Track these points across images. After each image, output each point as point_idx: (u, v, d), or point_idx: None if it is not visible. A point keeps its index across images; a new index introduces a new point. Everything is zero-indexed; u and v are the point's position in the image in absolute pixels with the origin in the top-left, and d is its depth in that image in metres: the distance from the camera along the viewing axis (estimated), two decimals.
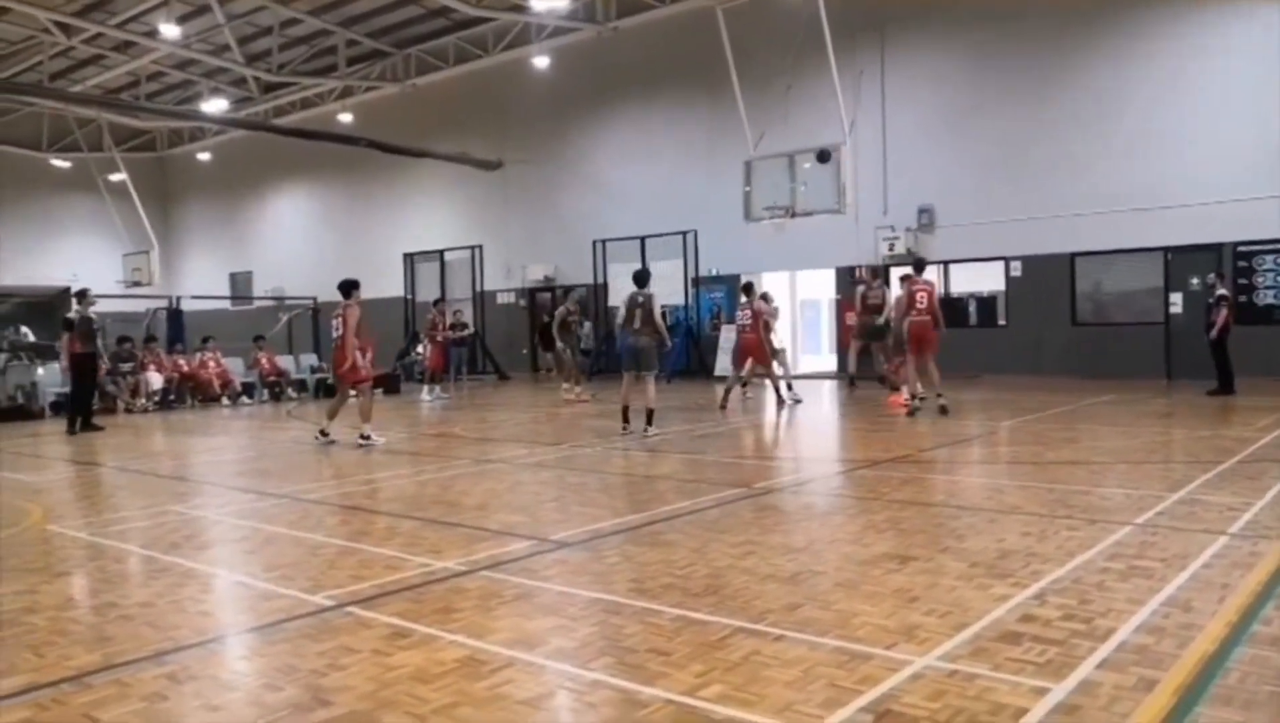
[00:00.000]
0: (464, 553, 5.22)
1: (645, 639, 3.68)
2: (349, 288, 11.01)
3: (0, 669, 3.59)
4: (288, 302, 25.98)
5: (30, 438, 13.22)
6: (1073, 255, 17.23)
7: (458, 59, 25.76)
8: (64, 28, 23.80)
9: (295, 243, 31.12)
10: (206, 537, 6.13)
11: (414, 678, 3.35)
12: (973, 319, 18.70)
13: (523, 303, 25.30)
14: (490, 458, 9.37)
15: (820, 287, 22.29)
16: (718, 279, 21.50)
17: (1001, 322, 18.33)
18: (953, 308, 19.07)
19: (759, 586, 4.40)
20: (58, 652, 3.78)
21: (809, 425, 12.65)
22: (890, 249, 18.91)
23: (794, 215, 17.06)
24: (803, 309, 24.47)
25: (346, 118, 27.00)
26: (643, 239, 21.53)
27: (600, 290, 22.66)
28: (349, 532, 5.90)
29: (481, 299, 24.68)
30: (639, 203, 22.25)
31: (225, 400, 18.32)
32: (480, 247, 24.91)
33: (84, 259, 32.69)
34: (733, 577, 4.57)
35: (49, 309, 26.21)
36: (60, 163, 32.61)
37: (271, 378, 19.30)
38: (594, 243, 22.58)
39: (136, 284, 28.82)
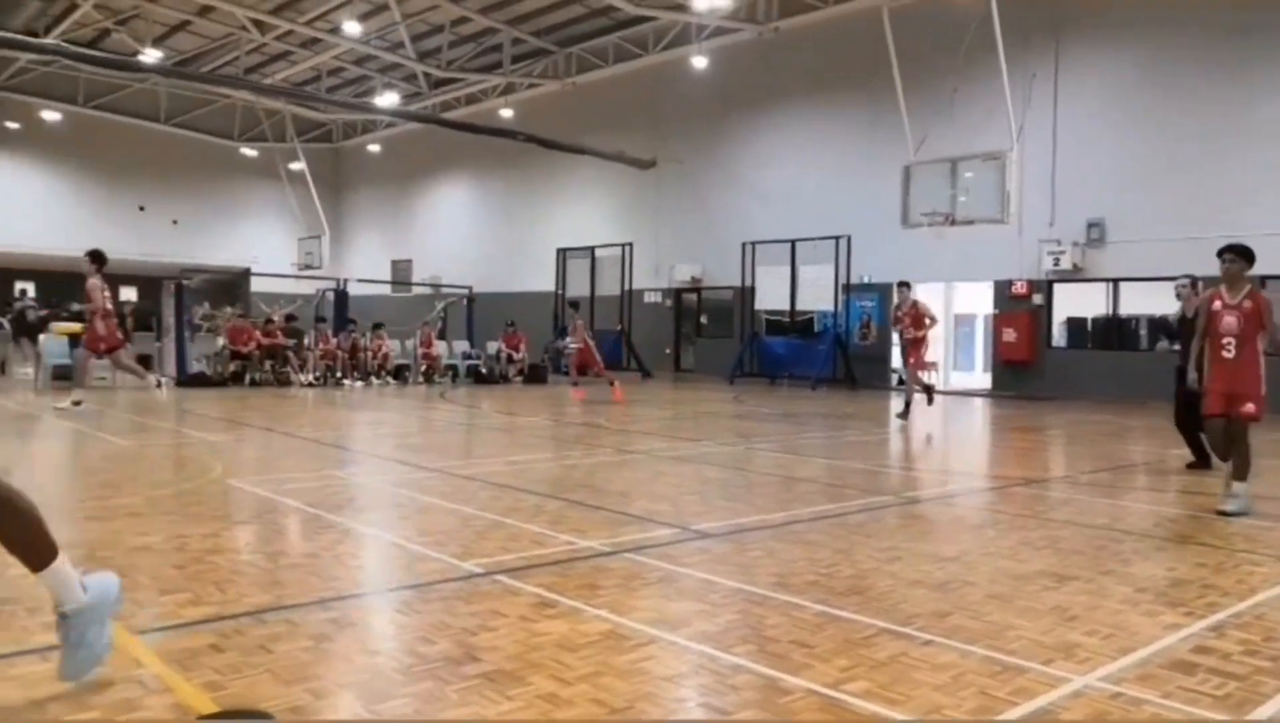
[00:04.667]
0: (607, 535, 5.30)
1: (788, 631, 3.65)
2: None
3: (190, 599, 3.91)
4: (443, 290, 27.05)
5: (214, 401, 14.25)
6: (1263, 278, 16.00)
7: (617, 58, 26.21)
8: (258, 25, 25.53)
9: (453, 233, 32.36)
10: (365, 501, 6.45)
11: (559, 646, 3.43)
12: (1143, 342, 17.61)
13: (669, 302, 25.48)
14: (632, 449, 9.49)
15: (977, 301, 21.49)
16: (869, 287, 21.05)
17: (1176, 347, 17.19)
18: (1121, 330, 18.07)
19: (906, 590, 4.29)
20: (237, 590, 4.08)
21: (962, 440, 12.22)
22: (1055, 263, 18.04)
23: (953, 223, 16.54)
24: (957, 324, 23.68)
25: (508, 113, 27.89)
26: (793, 242, 21.31)
27: (747, 293, 22.57)
28: (498, 507, 6.10)
29: (629, 297, 25.01)
30: (791, 206, 22.05)
31: (380, 380, 19.24)
32: (631, 245, 25.24)
33: (262, 242, 35.06)
34: (878, 579, 4.47)
35: (232, 286, 28.26)
36: (249, 152, 35.00)
37: (426, 363, 20.14)
38: (743, 245, 22.51)
39: (308, 267, 30.64)
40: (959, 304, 22.96)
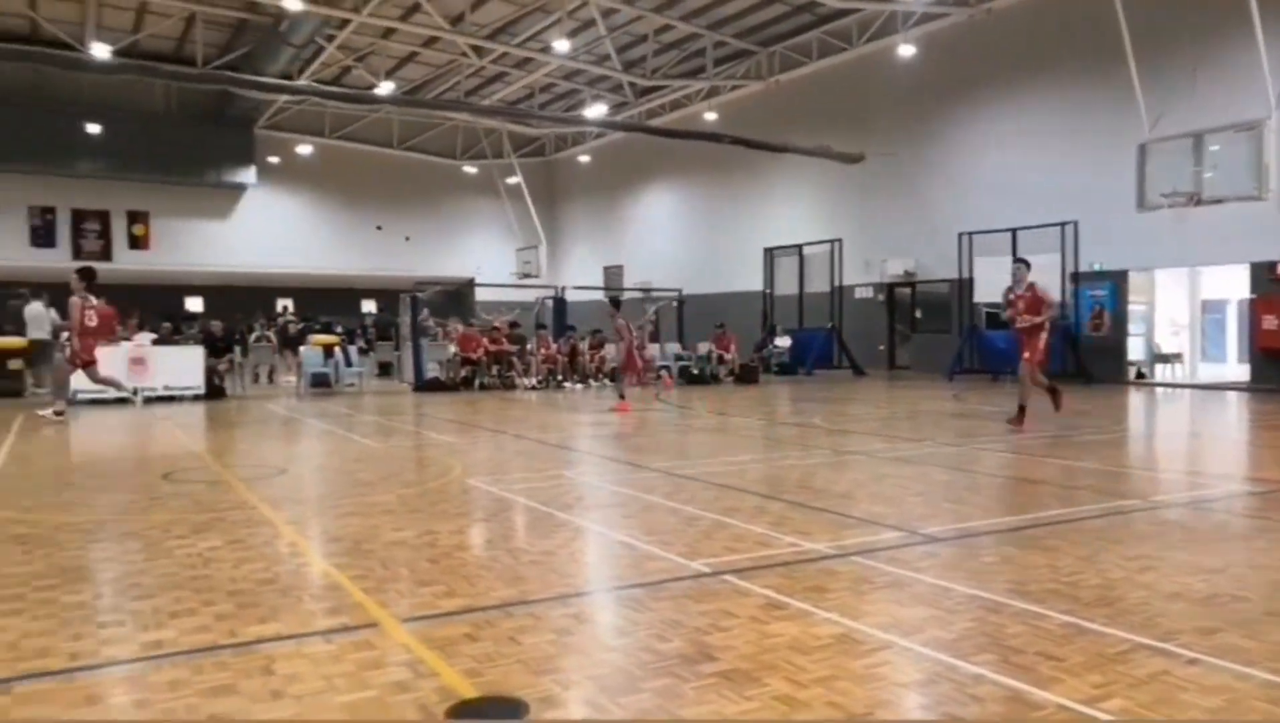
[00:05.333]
0: (832, 537, 5.26)
1: (1031, 642, 3.49)
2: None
3: (445, 591, 4.23)
4: (654, 294, 27.63)
5: (447, 405, 15.26)
6: None
7: (821, 53, 25.81)
8: (477, 50, 27.12)
9: (662, 237, 32.97)
10: (593, 500, 6.72)
11: (791, 647, 3.45)
12: None
13: (881, 298, 24.82)
14: (850, 450, 9.34)
15: (1228, 285, 19.54)
16: (1101, 275, 19.61)
17: None
18: None
19: (1163, 603, 3.99)
20: (484, 583, 4.38)
21: (1215, 438, 11.16)
22: None
23: (1198, 203, 15.15)
24: (1205, 310, 21.63)
25: (712, 116, 28.10)
26: (1014, 231, 20.19)
27: (965, 286, 21.60)
28: (720, 507, 6.18)
29: (840, 294, 24.56)
30: (1011, 193, 20.91)
31: (597, 382, 19.92)
32: (839, 241, 24.79)
33: (484, 253, 37.16)
34: (1128, 590, 4.18)
35: (459, 297, 30.14)
36: (470, 169, 37.19)
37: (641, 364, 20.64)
38: (959, 236, 21.57)
39: (527, 276, 32.21)
40: (1206, 289, 20.97)
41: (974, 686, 3.08)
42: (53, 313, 16.88)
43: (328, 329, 22.39)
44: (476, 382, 18.78)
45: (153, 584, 4.33)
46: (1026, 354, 10.67)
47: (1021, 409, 10.72)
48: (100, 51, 24.01)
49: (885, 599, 4.09)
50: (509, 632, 3.66)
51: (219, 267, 33.72)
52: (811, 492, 6.81)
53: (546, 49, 26.51)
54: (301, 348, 18.83)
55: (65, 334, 12.50)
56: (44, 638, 3.59)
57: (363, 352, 20.86)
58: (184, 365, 15.74)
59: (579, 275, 33.91)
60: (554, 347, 20.17)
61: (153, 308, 25.02)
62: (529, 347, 19.93)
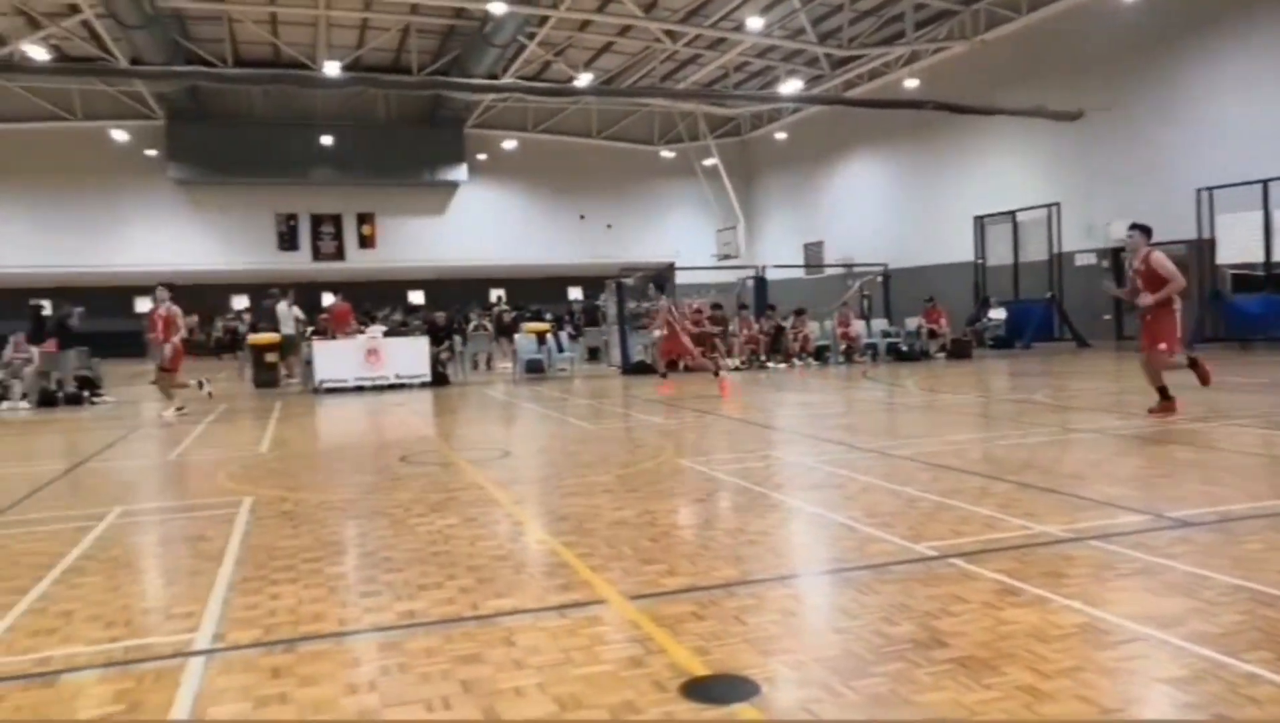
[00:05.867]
0: (1065, 520, 4.96)
1: None
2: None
3: (667, 570, 4.34)
4: (856, 269, 26.95)
5: (653, 386, 15.57)
6: None
7: (1031, 6, 24.19)
8: (670, 35, 27.33)
9: (863, 211, 32.07)
10: (807, 480, 6.67)
11: (1030, 636, 3.29)
12: None
13: (1105, 264, 23.04)
14: (1078, 427, 8.77)
15: None
16: None
17: None
18: None
19: None
20: (705, 562, 4.45)
21: None
22: None
23: None
24: None
25: (913, 83, 26.98)
26: (1265, 183, 18.18)
27: (1205, 247, 19.69)
28: (941, 488, 5.97)
29: (1058, 261, 23.02)
30: (1259, 141, 18.84)
31: (802, 361, 19.69)
32: (1057, 205, 23.21)
33: (683, 236, 37.51)
34: None
35: (660, 280, 30.55)
36: (667, 153, 37.60)
37: (845, 343, 20.23)
38: (1198, 192, 19.66)
39: (726, 256, 32.25)
40: None
41: (1248, 686, 2.83)
42: (296, 310, 18.57)
43: (539, 317, 23.35)
44: (681, 364, 19.01)
45: (402, 559, 4.69)
46: (1163, 344, 8.85)
47: (1161, 392, 9.04)
48: (331, 69, 26.07)
49: (1133, 587, 3.82)
50: (733, 611, 3.71)
51: (437, 261, 35.89)
52: (1038, 472, 6.45)
53: (739, 27, 26.34)
54: (516, 335, 19.75)
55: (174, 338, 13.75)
56: (316, 605, 3.98)
57: (572, 337, 21.60)
58: (412, 355, 16.88)
59: (778, 254, 33.57)
60: (756, 326, 20.09)
61: (380, 302, 27.00)
62: (731, 328, 19.96)
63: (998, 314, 23.11)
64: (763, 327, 20.13)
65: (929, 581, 4.01)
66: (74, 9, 24.07)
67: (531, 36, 27.09)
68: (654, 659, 3.23)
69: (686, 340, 14.37)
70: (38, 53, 24.98)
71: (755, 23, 25.26)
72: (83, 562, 4.84)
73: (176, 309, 13.51)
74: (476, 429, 11.02)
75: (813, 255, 34.33)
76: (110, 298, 29.40)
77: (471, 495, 6.37)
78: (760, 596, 3.93)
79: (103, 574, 4.60)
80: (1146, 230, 9.15)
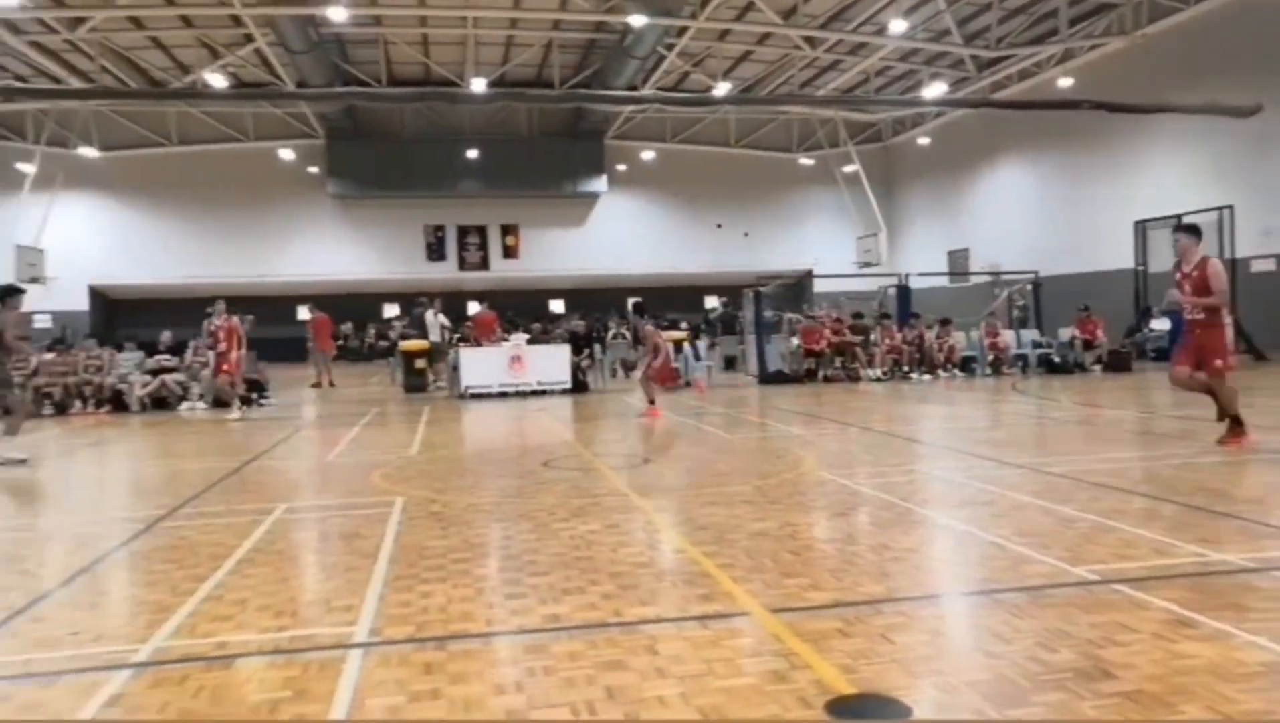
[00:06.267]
0: (1247, 548, 4.61)
1: None
2: None
3: (810, 584, 4.27)
4: (1004, 276, 25.88)
5: (792, 397, 15.40)
6: None
7: None
8: (810, 41, 27.01)
9: (1011, 217, 30.77)
10: (954, 496, 6.43)
11: (1210, 672, 3.07)
12: None
13: None
14: (1257, 447, 8.12)
15: None
16: None
17: None
18: None
19: None
20: (850, 578, 4.35)
21: None
22: None
23: None
24: None
25: (1066, 82, 25.73)
26: None
27: None
28: (1101, 508, 5.65)
29: (1232, 268, 21.43)
30: None
31: (947, 372, 19.05)
32: (1229, 207, 21.65)
33: (822, 244, 36.97)
34: None
35: (797, 288, 30.23)
36: (806, 161, 37.17)
37: (993, 354, 19.46)
38: None
39: (867, 265, 31.58)
40: None
41: None
42: (442, 318, 19.26)
43: (675, 325, 23.45)
44: (820, 373, 18.73)
45: (545, 562, 4.79)
46: (1218, 361, 7.85)
47: (1233, 420, 8.01)
48: (478, 85, 27.03)
49: None
50: (880, 629, 3.61)
51: (577, 270, 36.60)
52: (1213, 494, 6.02)
53: (881, 31, 25.78)
54: None
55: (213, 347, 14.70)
56: (465, 605, 4.11)
57: (708, 346, 21.59)
58: (553, 362, 17.25)
59: (921, 261, 32.60)
60: (899, 336, 19.57)
61: (523, 311, 27.72)
62: (872, 337, 19.51)
63: (1160, 324, 21.69)
64: (906, 336, 19.58)
65: (1091, 607, 3.80)
66: (248, 38, 25.80)
67: (670, 48, 27.30)
68: (798, 675, 3.18)
69: (668, 363, 13.47)
70: (217, 80, 26.98)
71: (898, 26, 24.66)
72: (253, 553, 5.15)
73: (236, 320, 14.60)
74: (616, 436, 11.15)
75: (958, 263, 33.18)
76: (275, 306, 31.28)
77: (613, 502, 6.44)
78: (908, 614, 3.81)
79: (271, 566, 4.89)
80: (1197, 231, 8.17)
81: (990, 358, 19.42)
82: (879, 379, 18.44)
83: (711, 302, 36.28)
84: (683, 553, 4.96)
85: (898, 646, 3.42)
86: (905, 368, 18.98)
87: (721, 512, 5.96)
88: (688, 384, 14.44)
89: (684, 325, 23.84)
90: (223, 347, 14.45)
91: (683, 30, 25.91)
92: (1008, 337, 20.08)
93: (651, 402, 12.85)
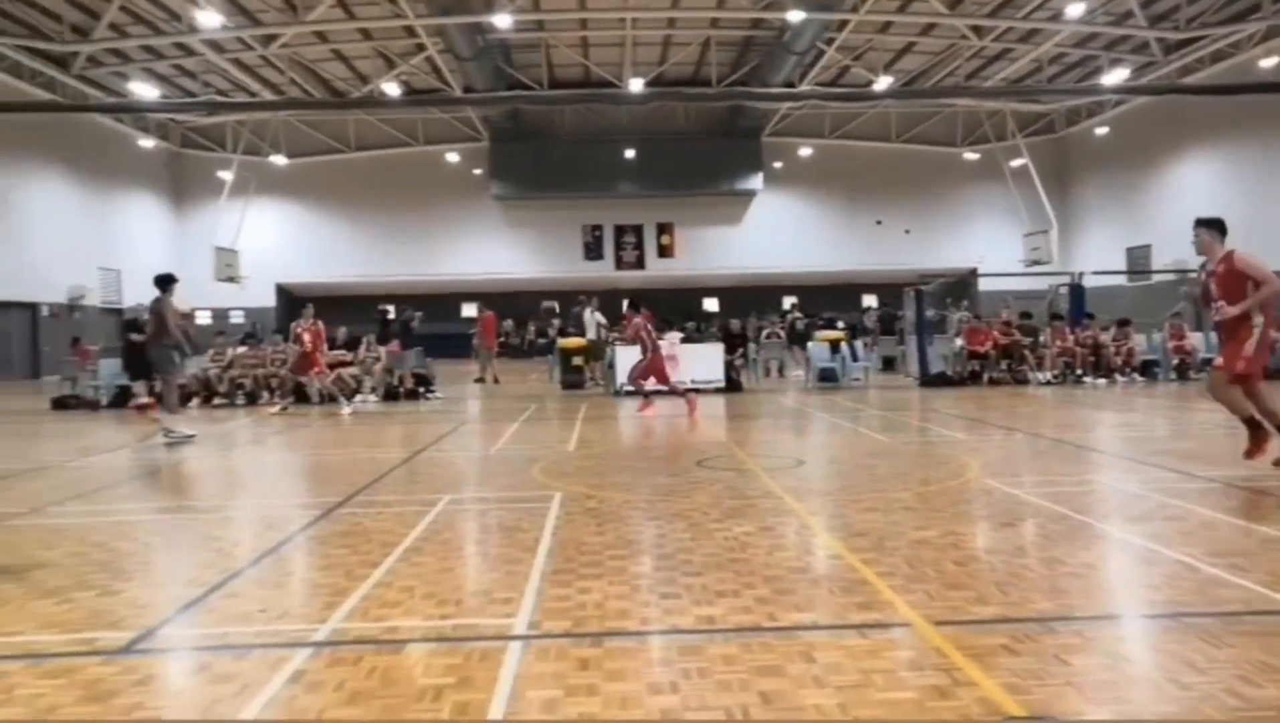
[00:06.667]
0: None
1: None
2: None
3: (975, 597, 4.08)
4: (1191, 275, 24.03)
5: (954, 400, 14.83)
6: None
7: None
8: (977, 30, 25.93)
9: (1199, 210, 28.39)
10: (1134, 510, 6.01)
11: None
12: None
13: None
14: None
15: None
16: None
17: None
18: None
19: None
20: (1019, 593, 4.13)
21: None
22: None
23: None
24: None
25: (1269, 62, 23.68)
26: None
27: None
28: None
29: None
30: None
31: (1125, 377, 17.90)
32: None
33: (987, 241, 35.44)
34: None
35: (960, 287, 29.10)
36: (971, 155, 35.74)
37: (1178, 358, 18.13)
38: None
39: (1035, 262, 30.04)
40: None
41: None
42: (599, 316, 19.60)
43: (831, 325, 23.04)
44: (985, 376, 17.96)
45: (700, 563, 4.78)
46: (1222, 360, 7.02)
47: (1253, 427, 7.03)
48: (635, 85, 27.39)
49: None
50: (1053, 649, 3.41)
51: (732, 268, 36.53)
52: None
53: (1056, 17, 24.48)
54: (809, 343, 19.61)
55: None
56: (621, 602, 4.15)
57: (867, 346, 21.09)
58: (706, 361, 17.26)
59: (1096, 259, 30.74)
60: (1071, 337, 18.52)
61: (678, 310, 27.93)
62: (1042, 338, 18.53)
63: None
64: (1079, 338, 18.50)
65: None
66: (420, 47, 27.10)
67: (830, 42, 26.81)
68: (963, 692, 3.05)
69: (660, 360, 13.47)
70: (392, 88, 28.50)
71: (1075, 9, 23.33)
72: (420, 543, 5.39)
73: (320, 324, 15.52)
74: (770, 436, 11.04)
75: (1138, 260, 31.10)
76: (440, 304, 32.73)
77: (767, 504, 6.38)
78: (1084, 635, 3.59)
79: (436, 556, 5.10)
80: (1217, 225, 7.14)
81: (1175, 362, 18.10)
82: (1049, 383, 17.50)
83: (870, 301, 35.43)
84: (840, 559, 4.85)
85: (1073, 667, 3.23)
86: (1078, 372, 17.94)
87: (880, 518, 5.80)
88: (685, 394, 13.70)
89: (840, 325, 23.39)
90: (308, 348, 15.21)
91: (843, 24, 25.40)
92: (1195, 339, 18.65)
93: (645, 396, 13.45)
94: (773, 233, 36.68)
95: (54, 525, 6.34)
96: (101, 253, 30.62)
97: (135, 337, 13.81)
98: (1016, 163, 34.29)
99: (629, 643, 3.65)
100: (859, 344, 20.54)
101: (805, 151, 36.02)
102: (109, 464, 9.58)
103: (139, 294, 26.46)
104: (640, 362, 13.56)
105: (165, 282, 11.26)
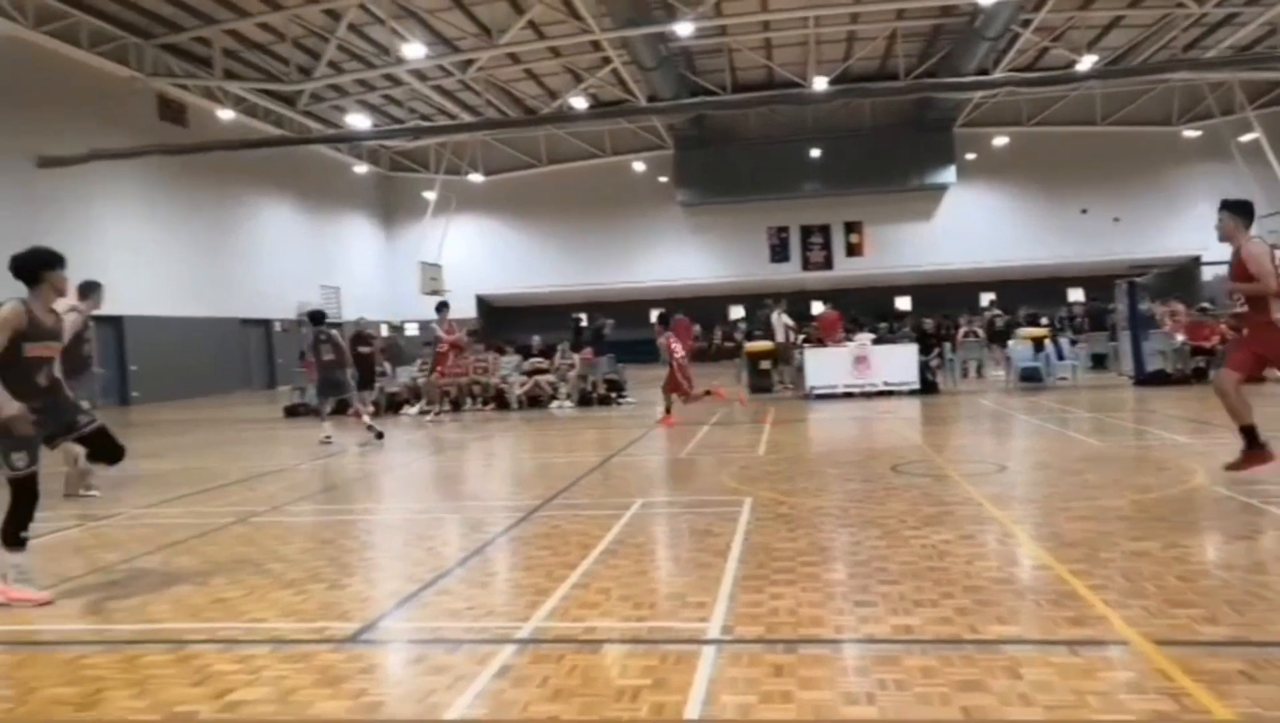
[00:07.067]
0: None
1: None
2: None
3: (1205, 616, 3.77)
4: None
5: (1174, 400, 13.69)
6: None
7: None
8: None
9: None
10: None
11: None
12: None
13: None
14: None
15: None
16: None
17: None
18: None
19: None
20: (1257, 613, 3.78)
21: None
22: None
23: None
24: None
25: None
26: None
27: None
28: None
29: None
30: None
31: None
32: None
33: (1210, 228, 32.46)
34: None
35: (1182, 277, 26.80)
36: (1189, 133, 32.94)
37: None
38: None
39: (1275, 247, 27.21)
40: None
41: None
42: (787, 319, 19.41)
43: (1034, 321, 21.81)
44: (1210, 374, 16.45)
45: (895, 571, 4.66)
46: (1235, 357, 6.50)
47: (1247, 435, 6.38)
48: (820, 84, 27.01)
49: None
50: None
51: (924, 265, 35.30)
52: None
53: None
54: (1009, 342, 18.65)
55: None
56: (814, 609, 4.12)
57: (1073, 343, 19.79)
58: (900, 362, 16.75)
59: None
60: None
61: (868, 309, 27.26)
62: None
63: None
64: None
65: None
66: (606, 60, 27.83)
67: (1025, 24, 25.40)
68: (1187, 718, 2.83)
69: (680, 376, 13.68)
70: (580, 102, 29.46)
71: None
72: (615, 545, 5.54)
73: (464, 335, 16.05)
74: (969, 441, 10.59)
75: None
76: (629, 310, 33.42)
77: (967, 511, 6.13)
78: None
79: (630, 558, 5.23)
80: (1242, 208, 6.46)
81: None
82: None
83: (1076, 295, 33.25)
84: (1047, 570, 4.60)
85: None
86: None
87: (1091, 527, 5.45)
88: (707, 393, 13.98)
89: (1044, 321, 22.10)
90: (443, 348, 15.75)
91: (1040, 3, 24.01)
92: None
93: (668, 410, 13.52)
94: (967, 227, 35.13)
95: (289, 523, 6.97)
96: (323, 271, 33.30)
97: (363, 349, 15.11)
98: (1246, 138, 31.18)
99: (823, 651, 3.61)
100: (1064, 341, 19.30)
101: (1000, 141, 34.27)
102: (331, 468, 10.41)
103: (357, 309, 28.63)
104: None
105: (318, 317, 12.95)
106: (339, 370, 12.48)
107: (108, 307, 8.84)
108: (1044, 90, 31.81)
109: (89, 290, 7.97)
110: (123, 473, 8.09)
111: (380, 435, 12.18)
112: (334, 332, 12.75)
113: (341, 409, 14.24)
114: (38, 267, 4.87)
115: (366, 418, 12.67)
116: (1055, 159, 34.39)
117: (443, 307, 16.05)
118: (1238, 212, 6.56)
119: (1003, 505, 6.29)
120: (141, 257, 24.05)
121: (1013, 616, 3.90)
